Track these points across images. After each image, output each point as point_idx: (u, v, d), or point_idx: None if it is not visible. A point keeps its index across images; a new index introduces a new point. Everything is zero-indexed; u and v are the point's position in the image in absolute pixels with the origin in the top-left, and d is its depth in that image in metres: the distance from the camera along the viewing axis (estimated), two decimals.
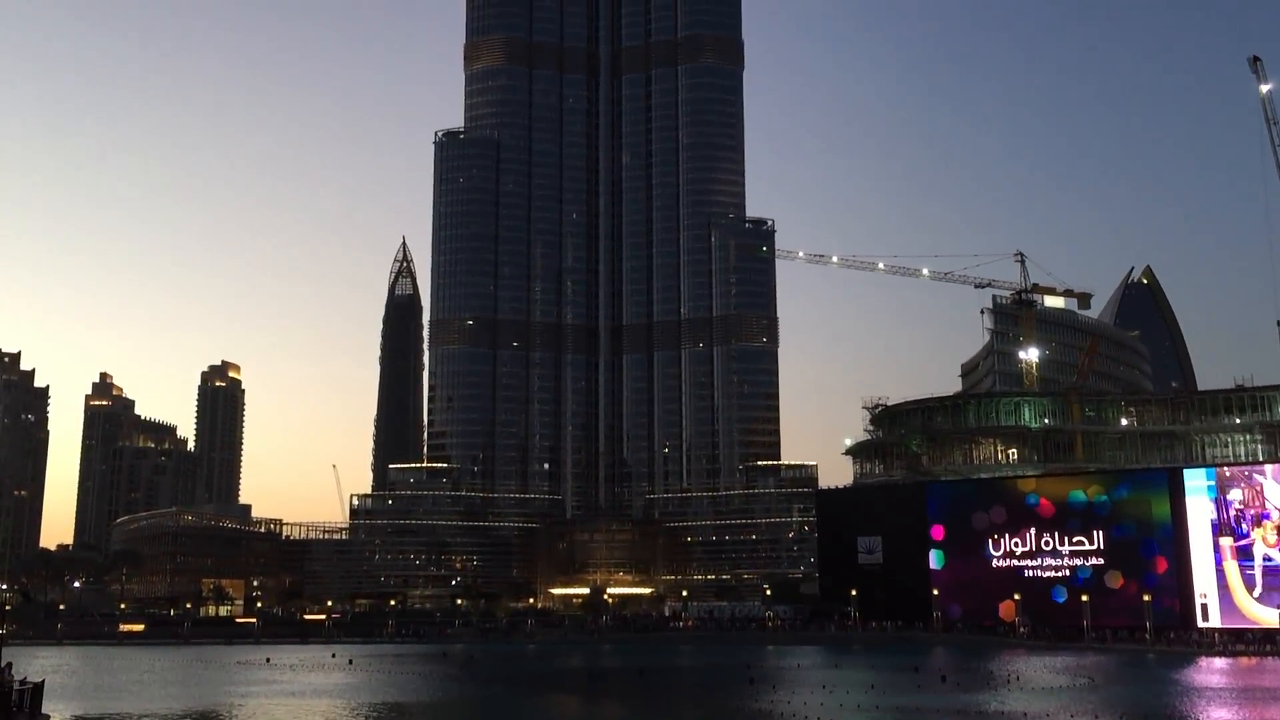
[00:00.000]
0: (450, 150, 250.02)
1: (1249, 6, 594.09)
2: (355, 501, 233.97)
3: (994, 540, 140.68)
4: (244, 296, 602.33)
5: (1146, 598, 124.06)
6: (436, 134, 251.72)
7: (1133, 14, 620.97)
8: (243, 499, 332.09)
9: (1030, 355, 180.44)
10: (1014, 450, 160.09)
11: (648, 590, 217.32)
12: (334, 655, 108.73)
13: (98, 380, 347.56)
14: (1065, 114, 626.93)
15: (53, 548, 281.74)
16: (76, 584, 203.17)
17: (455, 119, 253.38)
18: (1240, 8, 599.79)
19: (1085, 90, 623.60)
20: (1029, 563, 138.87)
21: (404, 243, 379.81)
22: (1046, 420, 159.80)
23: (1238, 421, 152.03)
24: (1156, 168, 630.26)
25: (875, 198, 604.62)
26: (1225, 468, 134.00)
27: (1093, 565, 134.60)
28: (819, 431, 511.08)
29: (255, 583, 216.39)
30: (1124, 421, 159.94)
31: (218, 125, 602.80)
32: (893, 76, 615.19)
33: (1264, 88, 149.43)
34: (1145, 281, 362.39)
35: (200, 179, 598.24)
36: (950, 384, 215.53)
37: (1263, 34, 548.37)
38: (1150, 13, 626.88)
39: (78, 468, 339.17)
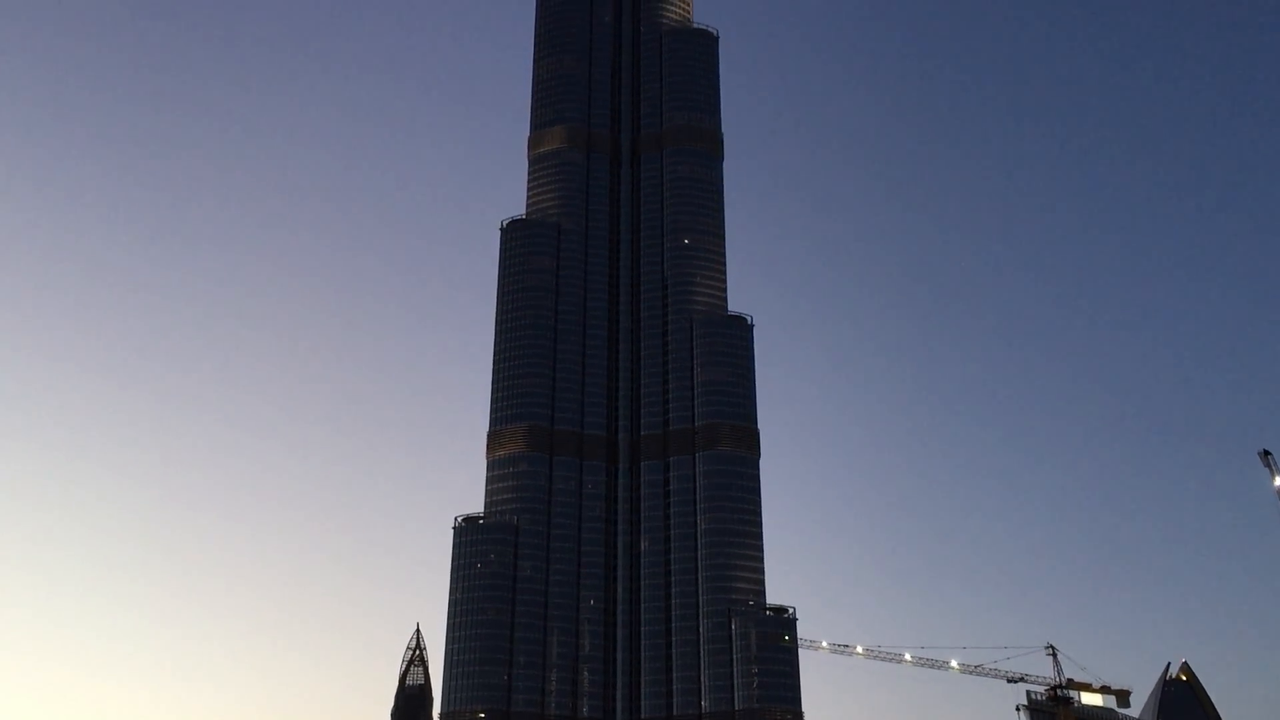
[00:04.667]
0: (468, 535, 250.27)
1: (1256, 406, 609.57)
2: None
3: None
4: (244, 687, 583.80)
5: None
6: (456, 519, 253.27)
7: (1147, 410, 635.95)
8: None
9: None
10: None
11: None
12: None
13: None
14: (1090, 507, 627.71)
15: None
16: None
17: (475, 505, 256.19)
18: (1248, 407, 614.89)
19: (1105, 484, 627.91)
20: None
21: (418, 630, 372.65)
22: None
23: None
24: (1183, 560, 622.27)
25: (899, 585, 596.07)
26: None
27: None
28: None
29: None
30: None
31: (222, 501, 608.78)
32: (914, 461, 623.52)
33: (1277, 481, 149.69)
34: (1184, 678, 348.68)
35: (199, 557, 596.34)
36: None
37: (1275, 426, 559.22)
38: (1162, 412, 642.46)
39: None
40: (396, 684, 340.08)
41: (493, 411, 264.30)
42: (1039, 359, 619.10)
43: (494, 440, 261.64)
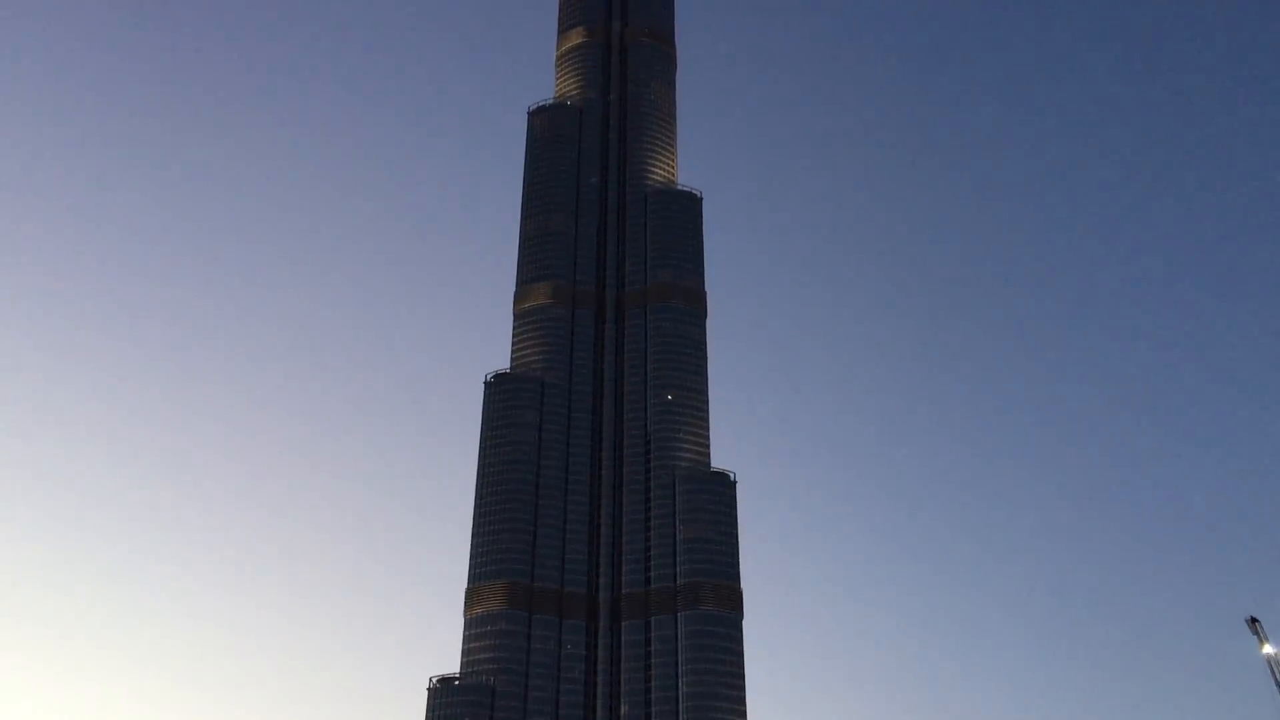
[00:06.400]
0: (443, 697, 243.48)
1: (1247, 568, 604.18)
2: None
3: None
4: None
5: None
6: (431, 680, 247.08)
7: (1137, 577, 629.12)
8: None
9: None
10: None
11: None
12: None
13: None
14: (1079, 680, 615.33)
15: None
16: None
17: (451, 664, 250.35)
18: (1238, 571, 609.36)
19: (1093, 655, 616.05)
20: None
21: None
22: None
23: None
24: None
25: None
26: None
27: None
28: None
29: None
30: None
31: (185, 668, 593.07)
32: (901, 621, 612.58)
33: (1266, 649, 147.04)
34: None
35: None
36: None
37: (1260, 593, 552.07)
38: (1150, 579, 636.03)
39: None
40: None
41: (471, 567, 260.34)
42: (1025, 531, 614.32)
43: (472, 597, 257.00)
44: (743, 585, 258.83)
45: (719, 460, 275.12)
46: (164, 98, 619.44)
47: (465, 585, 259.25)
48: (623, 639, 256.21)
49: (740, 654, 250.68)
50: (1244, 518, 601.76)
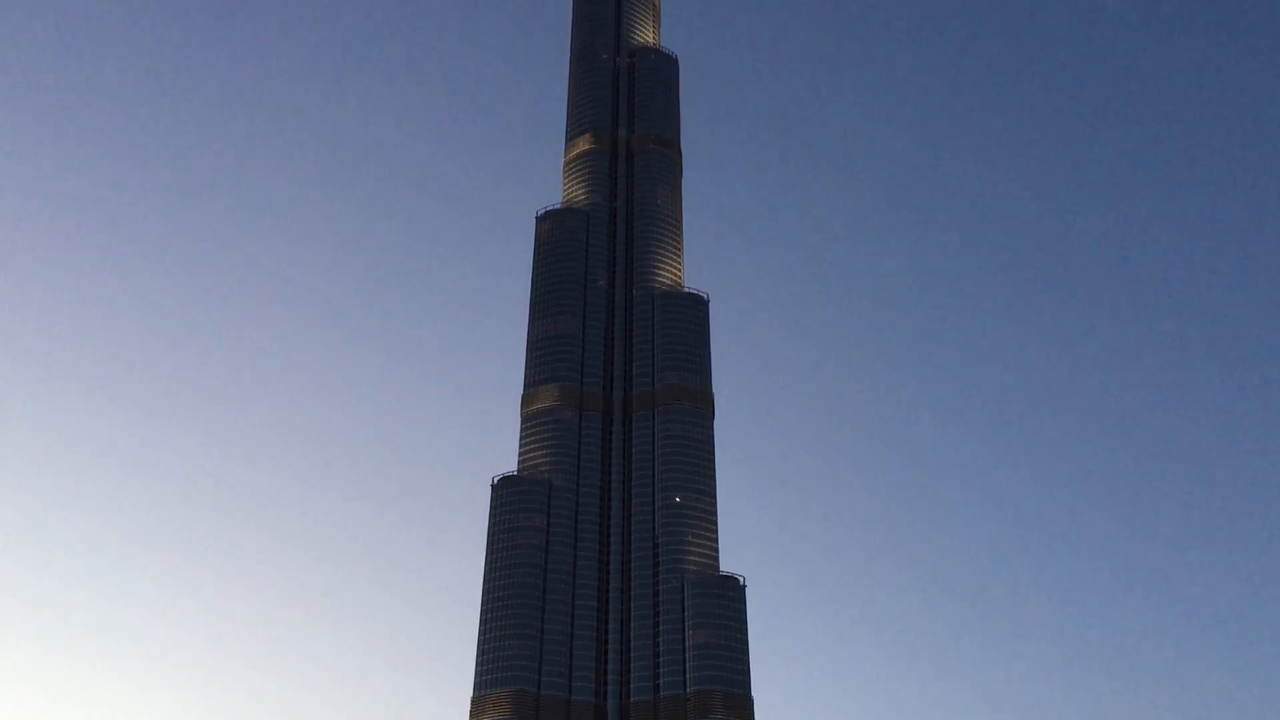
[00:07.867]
0: None
1: (1267, 664, 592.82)
2: None
3: None
4: None
5: None
6: None
7: (1150, 680, 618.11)
8: None
9: None
10: None
11: None
12: None
13: None
14: None
15: None
16: None
17: None
18: (1257, 670, 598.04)
19: None
20: None
21: None
22: None
23: None
24: None
25: None
26: None
27: None
28: None
29: None
30: None
31: None
32: None
33: None
34: None
35: None
36: None
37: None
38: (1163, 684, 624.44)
39: None
40: None
41: (477, 675, 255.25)
42: (1044, 634, 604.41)
43: (478, 708, 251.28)
44: (754, 694, 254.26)
45: (727, 564, 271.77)
46: (185, 176, 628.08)
47: (471, 694, 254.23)
48: None
49: None
50: (1264, 610, 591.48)
